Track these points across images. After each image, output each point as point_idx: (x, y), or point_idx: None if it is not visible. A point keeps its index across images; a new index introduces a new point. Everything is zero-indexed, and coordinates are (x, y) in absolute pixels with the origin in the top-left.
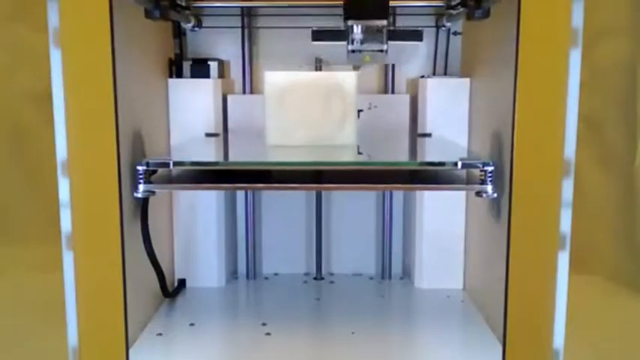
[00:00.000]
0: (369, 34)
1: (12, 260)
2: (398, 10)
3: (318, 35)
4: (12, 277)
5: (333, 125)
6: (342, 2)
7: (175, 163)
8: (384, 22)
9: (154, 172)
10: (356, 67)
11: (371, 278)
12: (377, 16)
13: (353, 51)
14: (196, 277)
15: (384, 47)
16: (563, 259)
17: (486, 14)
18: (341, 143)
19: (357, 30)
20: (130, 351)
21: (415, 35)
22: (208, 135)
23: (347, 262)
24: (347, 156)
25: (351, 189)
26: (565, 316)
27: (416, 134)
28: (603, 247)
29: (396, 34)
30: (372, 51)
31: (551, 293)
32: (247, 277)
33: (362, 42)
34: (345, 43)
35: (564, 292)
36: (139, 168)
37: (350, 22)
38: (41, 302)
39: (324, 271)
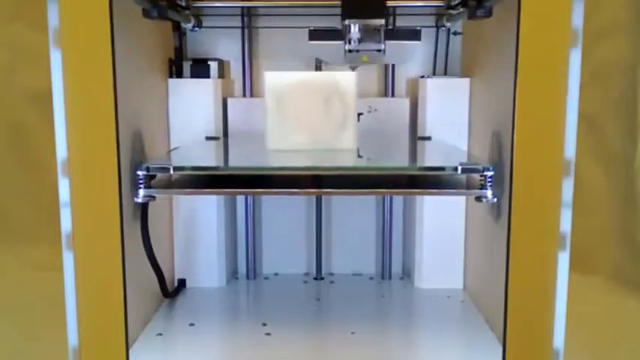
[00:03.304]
0: (367, 34)
1: (12, 260)
2: (398, 10)
3: (315, 35)
4: (12, 277)
5: (333, 129)
6: (340, 2)
7: (175, 168)
8: (382, 22)
9: (154, 175)
10: (353, 67)
11: (371, 278)
12: (374, 15)
13: (350, 51)
14: (196, 277)
15: (382, 47)
16: (563, 259)
17: (489, 13)
18: (341, 147)
19: (355, 29)
20: (130, 351)
21: (413, 35)
22: (208, 139)
23: (347, 262)
24: (347, 160)
25: (351, 194)
26: (565, 316)
27: (416, 137)
28: (603, 247)
29: (394, 34)
30: (370, 50)
31: (551, 293)
32: (247, 277)
33: (359, 41)
34: (342, 42)
35: (564, 292)
36: (139, 173)
37: (347, 22)
38: (41, 302)
39: (324, 271)
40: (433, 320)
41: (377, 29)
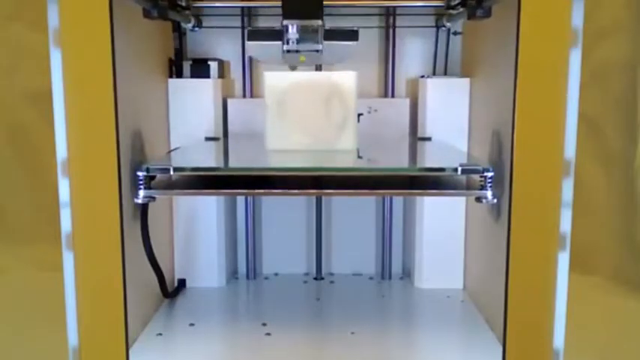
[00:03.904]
0: (305, 34)
1: (12, 260)
2: (398, 10)
3: (254, 35)
4: (12, 276)
5: (333, 129)
6: (341, 2)
7: (176, 169)
8: (319, 22)
9: (154, 176)
10: (292, 67)
11: (371, 278)
12: (312, 15)
13: (289, 51)
14: (196, 277)
15: (320, 47)
16: (563, 259)
17: (488, 13)
18: (341, 148)
19: (293, 30)
20: (130, 351)
21: (351, 35)
22: (208, 139)
23: (347, 262)
24: (347, 160)
25: (351, 194)
26: (565, 316)
27: (416, 137)
28: (603, 247)
29: (332, 35)
30: (308, 51)
31: (551, 293)
32: (247, 277)
33: (297, 42)
34: (280, 43)
35: (564, 292)
36: (139, 174)
37: (285, 22)
38: (41, 302)
39: (324, 271)
40: (433, 320)
41: (315, 30)
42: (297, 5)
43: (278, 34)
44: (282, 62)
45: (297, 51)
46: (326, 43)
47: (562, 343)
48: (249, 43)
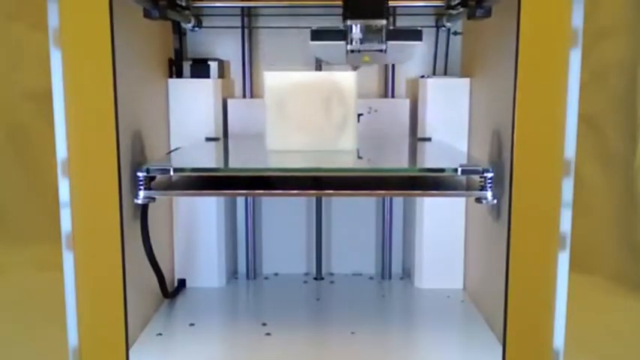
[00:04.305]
0: (368, 34)
1: (12, 260)
2: (398, 10)
3: (317, 35)
4: (12, 276)
5: (333, 130)
6: (341, 2)
7: (176, 170)
8: (383, 22)
9: (154, 177)
10: (355, 67)
11: (371, 278)
12: (375, 15)
13: (352, 51)
14: (196, 277)
15: (384, 47)
16: (563, 259)
17: (488, 13)
18: (341, 148)
19: (356, 30)
20: (130, 351)
21: (415, 35)
22: (208, 139)
23: (347, 262)
24: (347, 161)
25: (351, 195)
26: (565, 316)
27: (416, 137)
28: (603, 247)
29: (396, 34)
30: (372, 51)
31: (551, 293)
32: (247, 277)
33: (361, 42)
34: (343, 42)
35: (564, 292)
36: (139, 174)
37: (349, 22)
38: (41, 302)
39: (324, 271)
40: (433, 320)
41: (379, 29)
42: (360, 5)
43: (342, 34)
44: (345, 62)
45: (360, 51)
46: (390, 42)
47: (562, 343)
48: (312, 43)
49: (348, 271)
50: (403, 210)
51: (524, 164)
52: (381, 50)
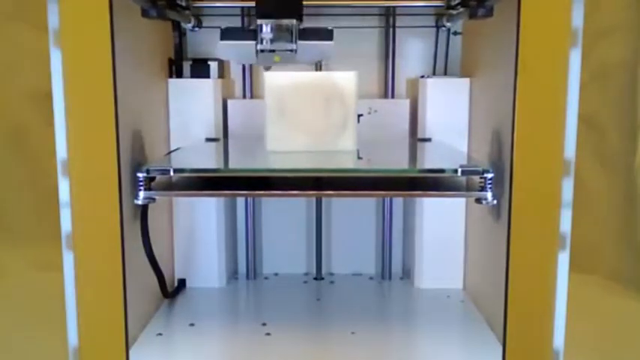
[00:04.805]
0: (279, 34)
1: (12, 260)
2: (398, 10)
3: (227, 34)
4: (12, 276)
5: (333, 130)
6: (342, 2)
7: (176, 171)
8: (293, 22)
9: (154, 177)
10: (266, 67)
11: (371, 278)
12: (288, 15)
13: (262, 50)
14: (196, 277)
15: (294, 47)
16: (563, 259)
17: (490, 12)
18: (341, 148)
19: (267, 29)
20: (130, 351)
21: (326, 35)
22: (208, 140)
23: (347, 262)
24: (347, 161)
25: (351, 196)
26: (565, 316)
27: (416, 137)
28: (603, 247)
29: (307, 34)
30: (282, 50)
31: (551, 293)
32: (247, 277)
33: (271, 41)
34: (254, 42)
35: (564, 292)
36: (139, 175)
37: (259, 21)
38: (41, 302)
39: (324, 271)
40: (433, 320)
41: (289, 29)
42: (271, 4)
43: (252, 34)
44: (256, 62)
45: (271, 50)
46: (300, 42)
47: (562, 343)
48: (221, 43)
49: (348, 271)
50: (403, 210)
51: (524, 164)
52: (291, 50)
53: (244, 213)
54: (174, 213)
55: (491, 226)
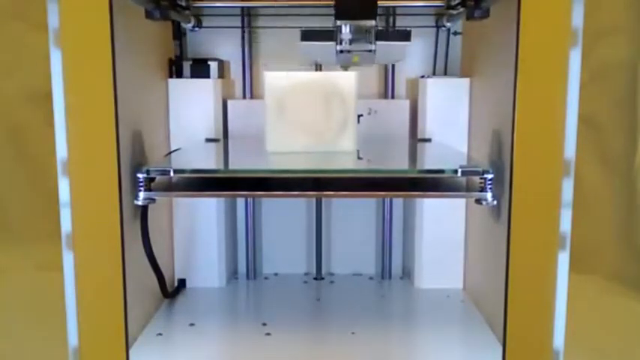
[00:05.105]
0: (358, 35)
1: (12, 260)
2: (398, 10)
3: (307, 35)
4: (12, 276)
5: (333, 131)
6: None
7: (176, 171)
8: (373, 23)
9: (154, 178)
10: (345, 68)
11: (371, 278)
12: (366, 16)
13: (342, 51)
14: (196, 277)
15: (373, 47)
16: (563, 259)
17: (486, 14)
18: (341, 149)
19: (346, 30)
20: (130, 351)
21: (404, 36)
22: (208, 140)
23: (347, 262)
24: (347, 162)
25: (351, 196)
26: (565, 316)
27: (416, 138)
28: (603, 247)
29: (385, 35)
30: (361, 51)
31: (551, 293)
32: (247, 277)
33: (350, 42)
34: (333, 43)
35: (564, 292)
36: (140, 176)
37: (338, 22)
38: (41, 302)
39: (324, 271)
40: (433, 320)
41: (368, 30)
42: (350, 5)
43: (331, 35)
44: (335, 63)
45: (349, 51)
46: (379, 43)
47: (562, 343)
48: (302, 44)
49: (348, 271)
50: (403, 210)
51: (524, 164)
52: (370, 51)
53: (244, 213)
54: (174, 213)
55: (491, 226)
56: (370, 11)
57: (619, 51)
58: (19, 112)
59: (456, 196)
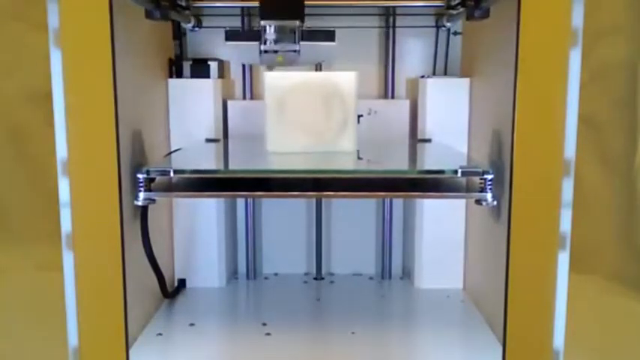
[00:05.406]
0: (282, 35)
1: (12, 260)
2: (398, 10)
3: (232, 35)
4: (12, 276)
5: (333, 131)
6: (342, 2)
7: (176, 172)
8: (297, 23)
9: (154, 178)
10: (269, 68)
11: (371, 278)
12: (291, 16)
13: (266, 51)
14: (196, 277)
15: (297, 48)
16: (563, 259)
17: (486, 14)
18: (341, 149)
19: (270, 30)
20: (130, 351)
21: (328, 36)
22: (208, 140)
23: (347, 262)
24: (347, 162)
25: (351, 197)
26: (565, 316)
27: (416, 137)
28: (603, 247)
29: (309, 35)
30: (285, 51)
31: (551, 293)
32: (247, 277)
33: (275, 42)
34: (257, 43)
35: (564, 292)
36: (140, 176)
37: (263, 22)
38: (41, 302)
39: (324, 271)
40: (433, 320)
41: (293, 30)
42: (275, 6)
43: (256, 35)
44: (259, 63)
45: (274, 51)
46: (303, 43)
47: (562, 343)
48: (226, 44)
49: (348, 271)
50: (403, 210)
51: (524, 164)
52: (294, 51)
53: (244, 213)
54: (174, 213)
55: (491, 226)
56: (296, 11)
57: (619, 51)
58: (19, 112)
59: (456, 197)
